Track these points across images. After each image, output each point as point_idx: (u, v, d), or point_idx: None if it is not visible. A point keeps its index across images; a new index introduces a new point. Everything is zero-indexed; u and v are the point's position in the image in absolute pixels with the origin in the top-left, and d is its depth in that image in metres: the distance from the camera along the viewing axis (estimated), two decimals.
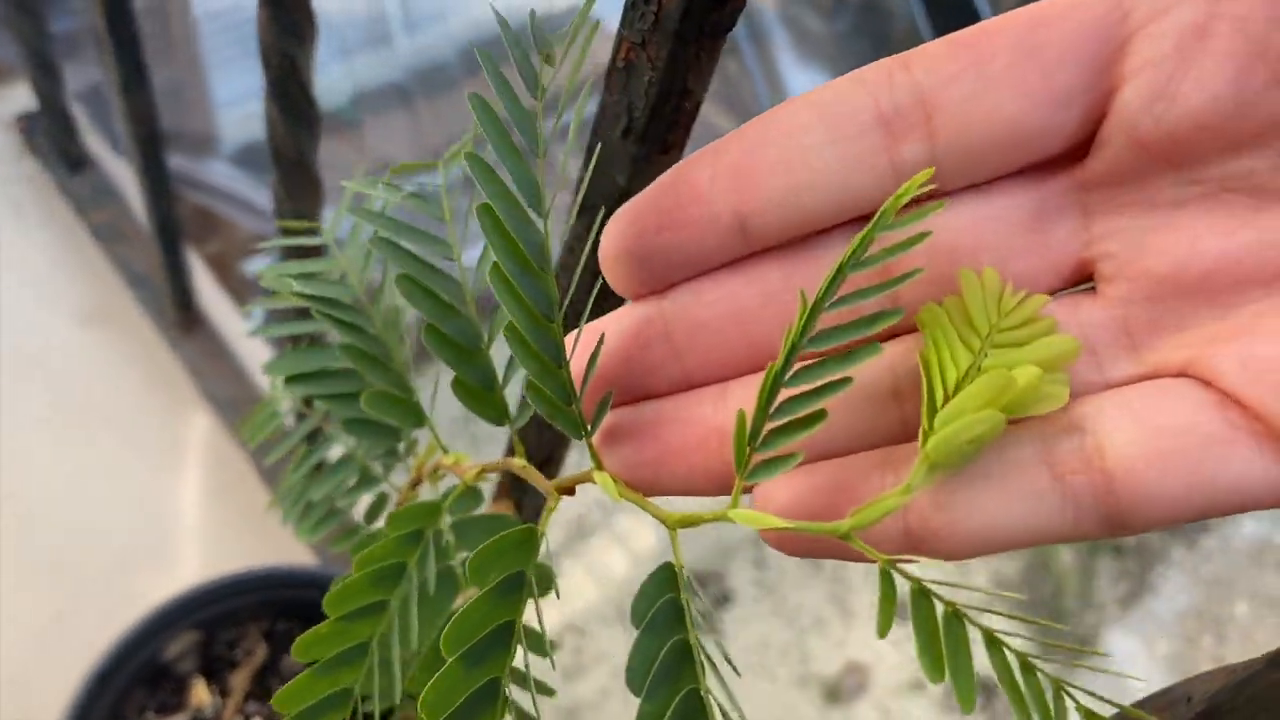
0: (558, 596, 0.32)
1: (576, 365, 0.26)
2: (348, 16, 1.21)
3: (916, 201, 0.24)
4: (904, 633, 1.79)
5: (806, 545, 0.25)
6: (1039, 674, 0.24)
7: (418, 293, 0.29)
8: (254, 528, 1.00)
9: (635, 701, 0.24)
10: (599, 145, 0.36)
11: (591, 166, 0.36)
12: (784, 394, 0.24)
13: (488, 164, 0.25)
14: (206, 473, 1.02)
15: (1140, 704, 0.31)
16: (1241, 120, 0.22)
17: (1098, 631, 1.81)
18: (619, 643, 1.33)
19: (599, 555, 1.47)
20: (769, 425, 0.24)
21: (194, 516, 0.99)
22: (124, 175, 1.21)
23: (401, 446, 0.38)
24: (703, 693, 0.23)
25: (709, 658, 0.24)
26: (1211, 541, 1.69)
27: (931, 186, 0.24)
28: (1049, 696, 0.23)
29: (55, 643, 0.88)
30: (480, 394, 0.29)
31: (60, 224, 1.19)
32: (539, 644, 0.33)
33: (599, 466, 0.27)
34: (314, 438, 0.45)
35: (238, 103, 1.34)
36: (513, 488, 0.53)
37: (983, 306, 0.24)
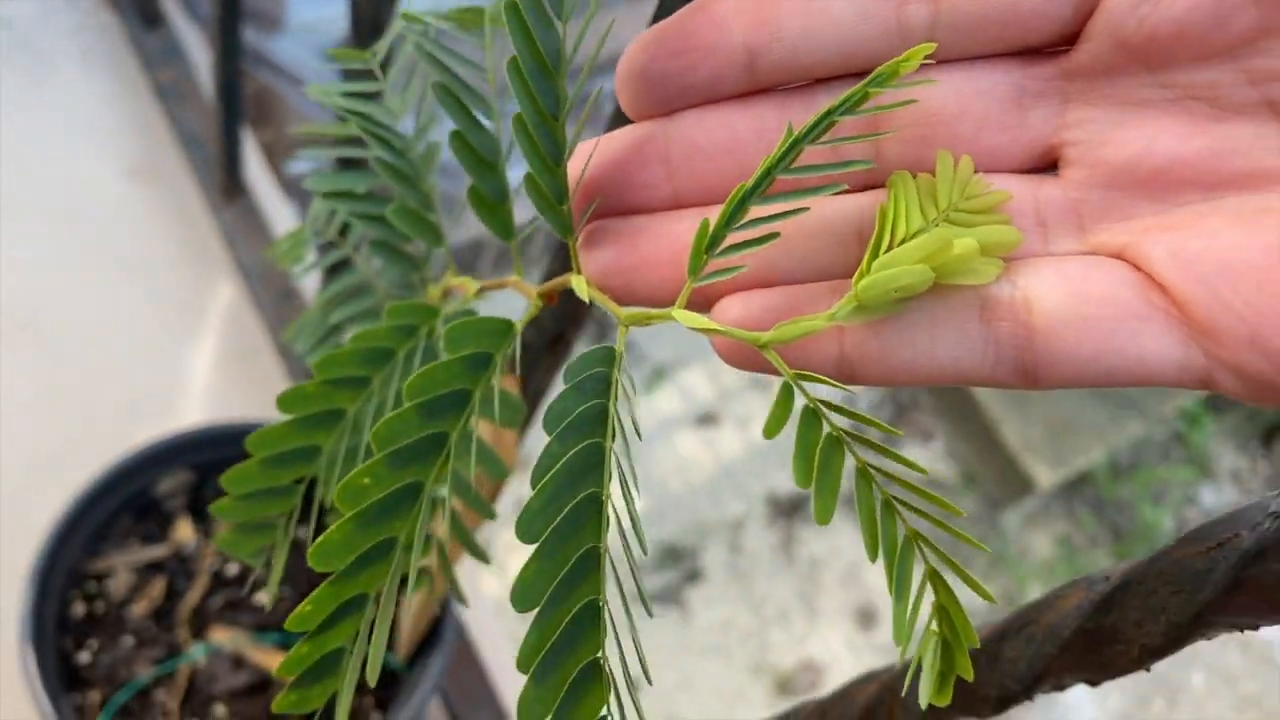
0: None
1: (574, 168, 0.28)
2: None
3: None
4: (865, 640, 1.81)
5: (743, 356, 0.27)
6: (898, 520, 0.26)
7: (450, 101, 0.30)
8: (263, 396, 1.02)
9: None
10: None
11: None
12: (754, 212, 0.26)
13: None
14: (224, 338, 1.04)
15: (1064, 585, 0.32)
16: (1216, 31, 0.23)
17: None
18: None
19: None
20: (730, 238, 0.26)
21: (206, 377, 1.02)
22: (194, 40, 1.24)
23: (418, 278, 0.40)
24: (607, 448, 0.25)
25: (621, 423, 0.27)
26: None
27: (931, 55, 0.25)
28: (899, 540, 0.26)
29: (54, 470, 0.91)
30: (492, 205, 0.30)
31: (125, 77, 1.21)
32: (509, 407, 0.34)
33: (578, 270, 0.29)
34: (339, 270, 0.46)
35: None
36: (521, 364, 0.55)
37: (949, 186, 0.26)
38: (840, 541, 1.80)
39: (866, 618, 1.76)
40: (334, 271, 0.46)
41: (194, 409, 1.00)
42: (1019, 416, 1.88)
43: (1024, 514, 1.90)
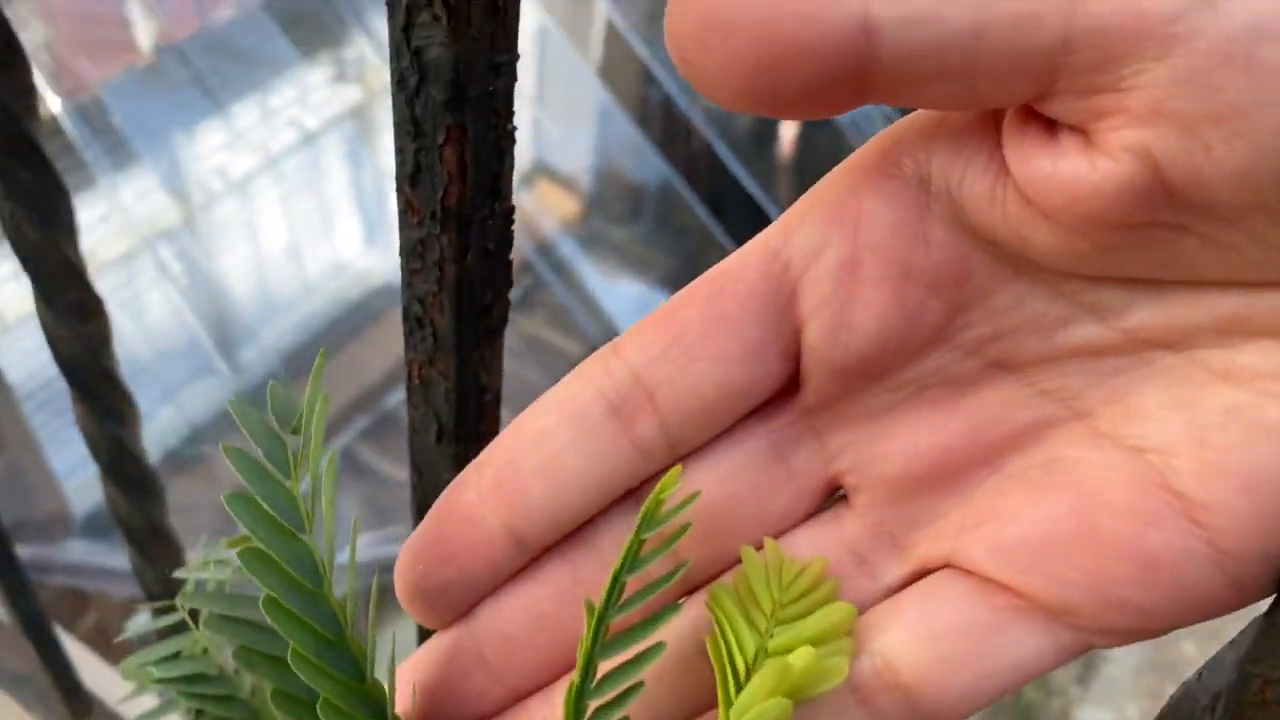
0: None
1: (402, 709, 0.27)
2: (161, 357, 1.22)
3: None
4: None
5: None
6: None
7: (255, 659, 0.29)
8: None
9: None
10: (420, 451, 0.38)
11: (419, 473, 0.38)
12: (602, 667, 0.25)
13: (263, 553, 0.26)
14: None
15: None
16: (914, 330, 0.24)
17: (1068, 715, 1.81)
18: None
19: None
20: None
21: None
22: None
23: None
24: None
25: None
26: None
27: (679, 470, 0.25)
28: None
29: None
30: None
31: None
32: None
33: None
34: None
35: (79, 468, 1.32)
36: None
37: (765, 582, 0.26)
38: None
39: None
40: None
41: None
42: None
43: None
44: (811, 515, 0.27)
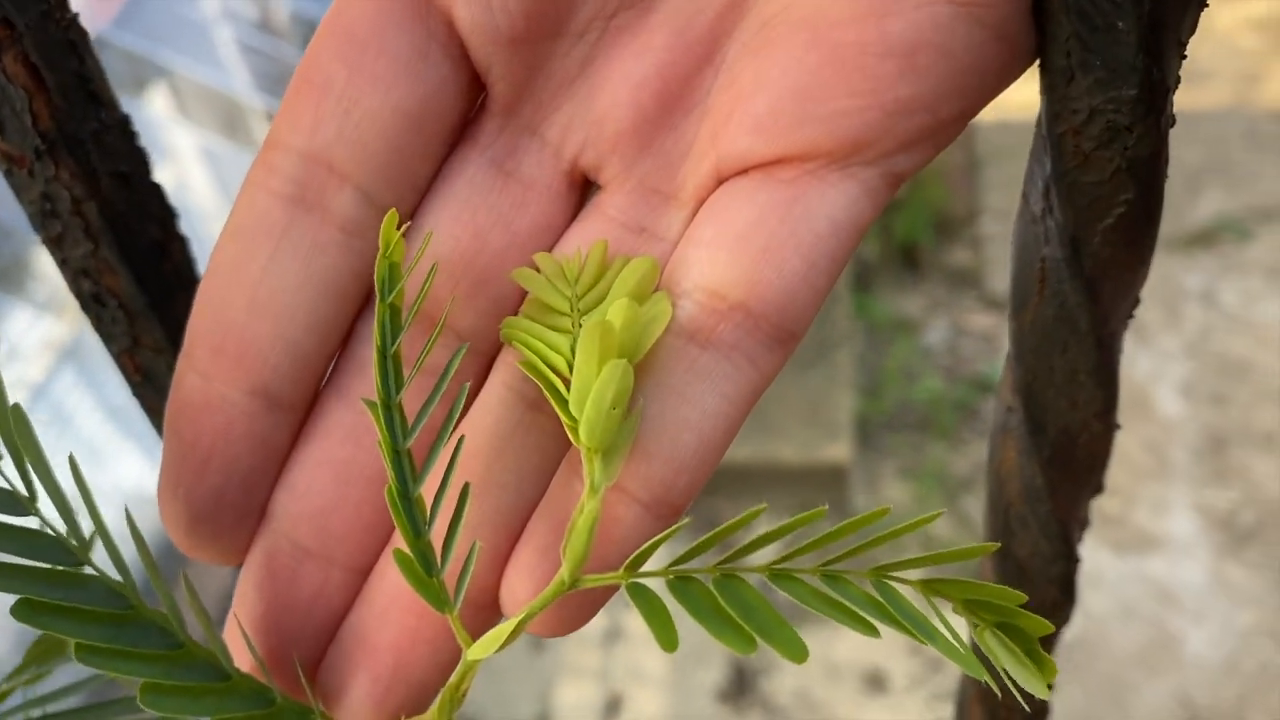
0: None
1: (244, 661, 0.23)
2: None
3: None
4: None
5: (568, 613, 0.23)
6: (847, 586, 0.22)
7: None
8: None
9: None
10: None
11: None
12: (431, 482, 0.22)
13: None
14: None
15: (992, 455, 0.30)
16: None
17: None
18: None
19: None
20: (435, 540, 0.22)
21: None
22: None
23: None
24: None
25: None
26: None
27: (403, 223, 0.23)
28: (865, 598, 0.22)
29: None
30: None
31: None
32: None
33: None
34: None
35: None
36: None
37: (552, 289, 0.23)
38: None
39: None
40: None
41: None
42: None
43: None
44: (571, 219, 0.24)
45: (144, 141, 0.28)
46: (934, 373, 1.81)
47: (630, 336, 0.22)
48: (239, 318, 0.23)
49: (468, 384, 0.23)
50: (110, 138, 0.27)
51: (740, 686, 1.63)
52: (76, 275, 0.28)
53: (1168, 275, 1.84)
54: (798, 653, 0.20)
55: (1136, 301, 0.26)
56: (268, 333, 0.23)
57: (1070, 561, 0.31)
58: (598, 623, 1.64)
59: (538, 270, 0.24)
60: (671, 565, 0.21)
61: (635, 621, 1.64)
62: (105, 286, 0.28)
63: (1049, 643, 0.35)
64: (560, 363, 0.22)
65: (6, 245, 1.33)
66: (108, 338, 0.30)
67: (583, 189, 0.25)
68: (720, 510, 1.68)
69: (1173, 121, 0.23)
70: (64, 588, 0.22)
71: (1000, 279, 1.88)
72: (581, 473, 0.23)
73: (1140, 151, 0.23)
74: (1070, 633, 1.55)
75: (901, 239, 1.92)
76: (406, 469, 0.22)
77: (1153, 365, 1.77)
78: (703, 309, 0.23)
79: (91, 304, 0.29)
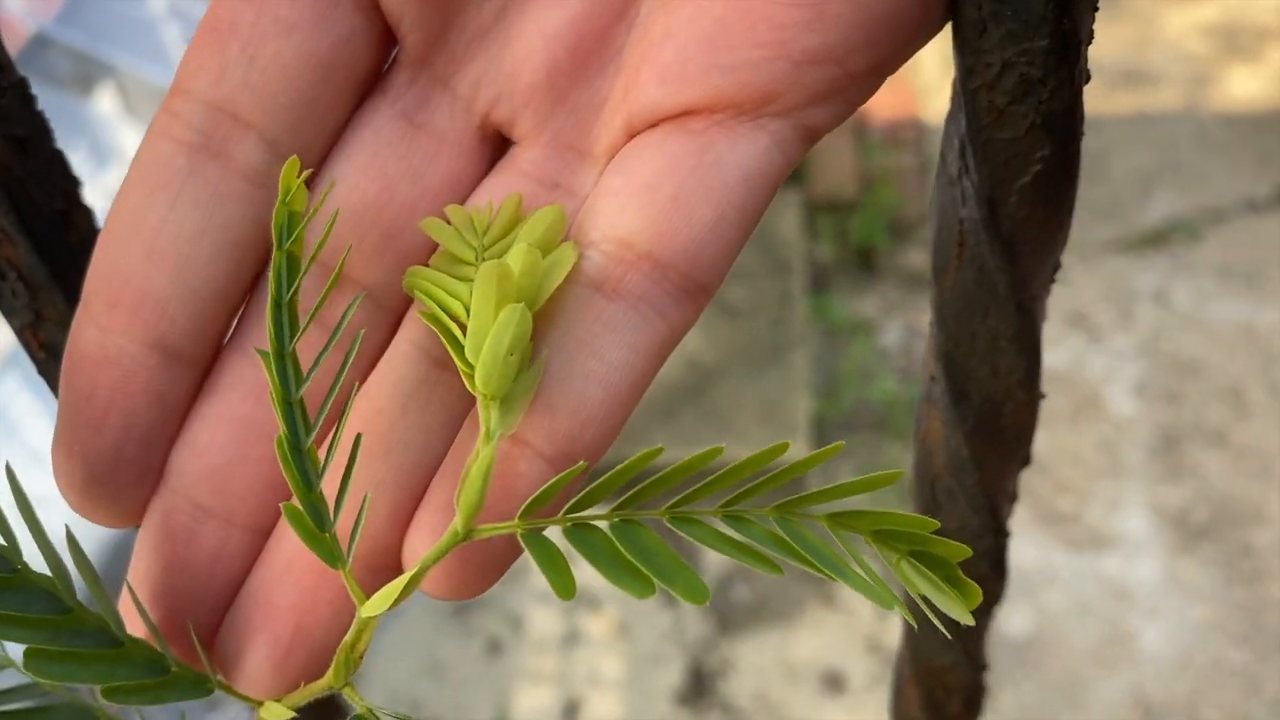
0: None
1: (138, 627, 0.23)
2: None
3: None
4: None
5: (476, 569, 0.22)
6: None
7: None
8: None
9: None
10: None
11: None
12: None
13: None
14: None
15: (918, 425, 0.29)
16: None
17: None
18: None
19: None
20: (327, 494, 0.21)
21: None
22: None
23: None
24: None
25: None
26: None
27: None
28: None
29: None
30: None
31: None
32: None
33: (256, 704, 0.23)
34: None
35: None
36: None
37: (461, 240, 0.23)
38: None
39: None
40: None
41: None
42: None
43: None
44: (483, 174, 0.24)
45: (91, 142, 0.28)
46: (890, 374, 1.82)
47: (530, 282, 0.21)
48: (137, 268, 0.22)
49: (362, 332, 0.22)
50: (6, 101, 0.26)
51: (699, 689, 1.63)
52: None
53: (1120, 276, 1.86)
54: (698, 594, 0.20)
55: (1058, 265, 0.26)
56: (166, 284, 0.22)
57: (999, 535, 0.31)
58: (555, 627, 1.63)
59: (448, 223, 0.23)
60: (568, 513, 0.21)
61: (593, 625, 1.63)
62: (3, 257, 0.27)
63: (981, 620, 0.34)
64: (461, 311, 0.21)
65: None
66: (9, 312, 0.29)
67: (496, 144, 0.24)
68: None
69: (1088, 77, 0.23)
70: None
71: None
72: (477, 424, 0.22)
73: (1055, 105, 0.22)
74: (1025, 630, 1.56)
75: (858, 242, 1.93)
76: (299, 420, 0.21)
77: (1105, 365, 1.78)
78: (610, 259, 0.22)
79: None
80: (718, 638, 1.64)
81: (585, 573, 0.22)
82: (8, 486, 0.23)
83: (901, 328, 1.87)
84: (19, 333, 0.29)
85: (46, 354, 0.30)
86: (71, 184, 0.28)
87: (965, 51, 0.22)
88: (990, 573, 0.32)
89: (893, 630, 1.60)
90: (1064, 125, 0.23)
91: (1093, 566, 1.58)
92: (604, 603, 1.64)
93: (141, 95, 1.48)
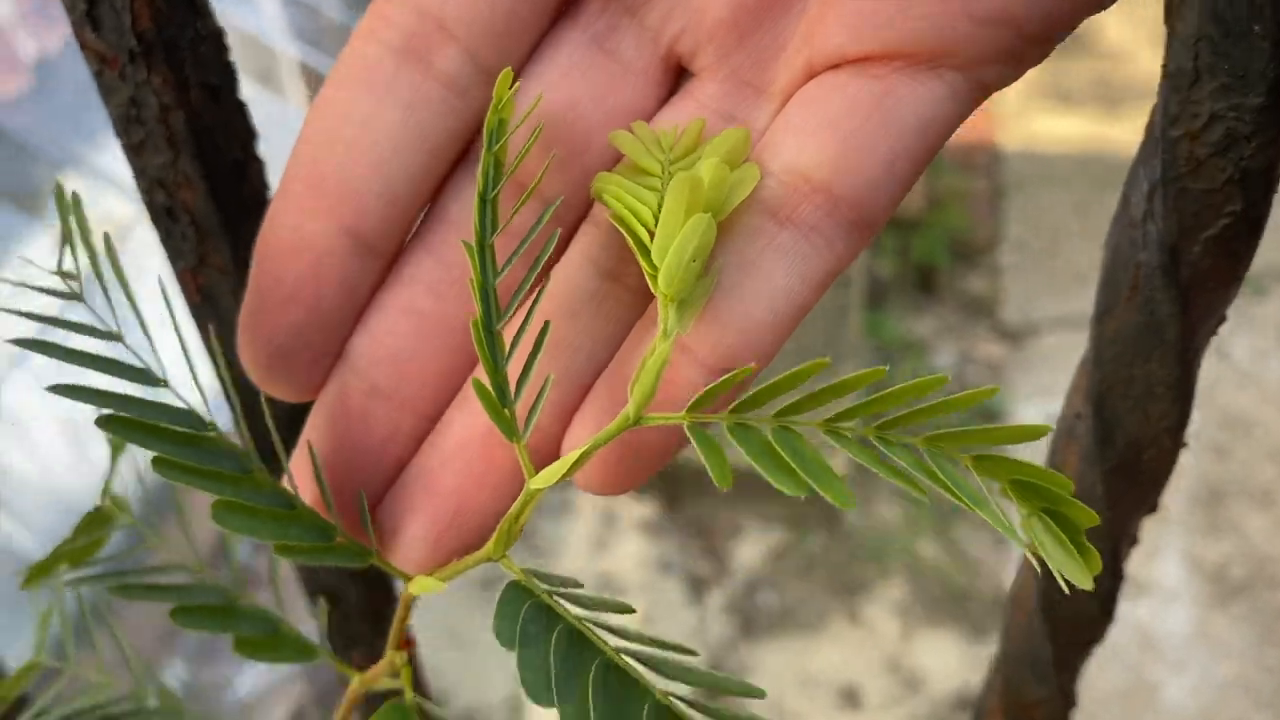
0: None
1: (309, 492, 0.24)
2: None
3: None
4: None
5: (629, 463, 0.23)
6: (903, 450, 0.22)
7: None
8: None
9: None
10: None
11: None
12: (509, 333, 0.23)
13: None
14: None
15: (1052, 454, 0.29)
16: None
17: None
18: None
19: None
20: (511, 377, 0.23)
21: None
22: None
23: None
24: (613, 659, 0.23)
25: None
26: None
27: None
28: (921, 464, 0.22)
29: None
30: None
31: None
32: None
33: (408, 579, 0.24)
34: None
35: None
36: None
37: (647, 152, 0.24)
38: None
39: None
40: None
41: None
42: None
43: None
44: (662, 104, 0.25)
45: None
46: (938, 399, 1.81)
47: (717, 195, 0.22)
48: (339, 159, 0.23)
49: (558, 231, 0.24)
50: (205, 48, 0.27)
51: (712, 692, 1.63)
52: (152, 185, 0.28)
53: None
54: (846, 500, 0.21)
55: (1223, 319, 0.26)
56: (364, 177, 0.23)
57: (1115, 579, 0.31)
58: (580, 615, 1.64)
59: (635, 135, 0.24)
60: (731, 412, 0.22)
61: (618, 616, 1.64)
62: (180, 200, 0.28)
63: (1079, 659, 0.34)
64: (648, 216, 0.22)
65: (33, 168, 1.33)
66: (174, 253, 0.29)
67: (676, 76, 0.25)
68: (715, 516, 1.67)
69: None
70: (139, 407, 0.23)
71: (1013, 310, 1.88)
72: (648, 342, 0.23)
73: (1255, 163, 0.22)
74: None
75: (918, 260, 1.92)
76: (493, 305, 0.23)
77: None
78: (786, 188, 0.23)
79: (162, 216, 0.29)
80: (739, 641, 1.64)
81: (614, 563, 0.23)
82: (209, 359, 0.25)
83: (955, 353, 1.86)
84: (179, 273, 0.30)
85: (201, 299, 0.30)
86: (250, 136, 0.29)
87: (1172, 99, 0.22)
88: (1100, 615, 0.32)
89: (913, 652, 1.59)
90: (1260, 183, 0.23)
91: (1124, 612, 1.57)
92: (630, 595, 1.64)
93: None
